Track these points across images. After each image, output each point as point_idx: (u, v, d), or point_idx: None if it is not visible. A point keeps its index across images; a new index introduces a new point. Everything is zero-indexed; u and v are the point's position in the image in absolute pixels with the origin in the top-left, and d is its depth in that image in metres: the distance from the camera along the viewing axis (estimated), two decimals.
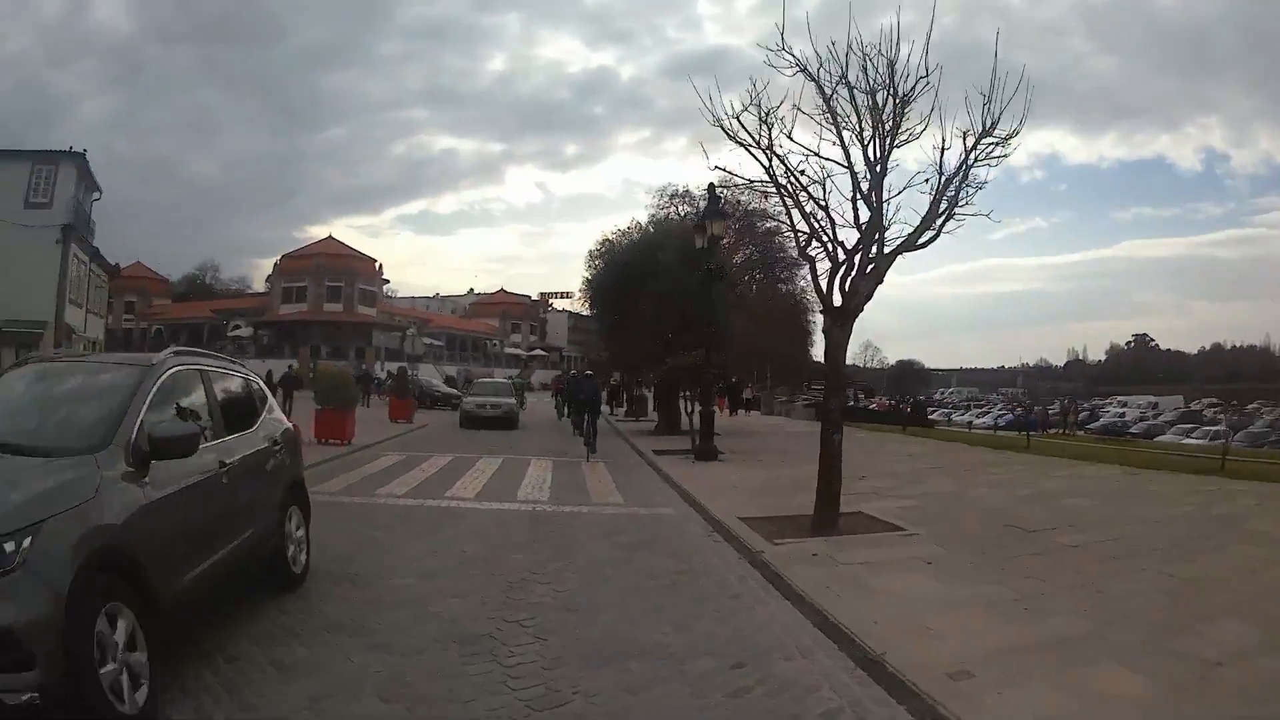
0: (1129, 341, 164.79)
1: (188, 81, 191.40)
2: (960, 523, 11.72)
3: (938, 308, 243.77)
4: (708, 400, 22.17)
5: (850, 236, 10.88)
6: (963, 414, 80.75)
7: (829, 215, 10.94)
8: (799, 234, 11.33)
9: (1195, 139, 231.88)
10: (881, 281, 10.83)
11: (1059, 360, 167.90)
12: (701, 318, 23.25)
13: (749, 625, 7.36)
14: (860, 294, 10.79)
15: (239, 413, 7.40)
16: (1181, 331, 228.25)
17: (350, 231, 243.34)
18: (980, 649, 6.29)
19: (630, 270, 29.39)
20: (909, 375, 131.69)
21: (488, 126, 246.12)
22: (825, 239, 10.97)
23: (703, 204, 27.77)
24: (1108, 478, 16.88)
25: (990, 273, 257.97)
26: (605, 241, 33.96)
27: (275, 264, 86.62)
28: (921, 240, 10.66)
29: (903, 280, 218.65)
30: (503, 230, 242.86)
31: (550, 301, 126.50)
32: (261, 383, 8.49)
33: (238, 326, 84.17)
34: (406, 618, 7.24)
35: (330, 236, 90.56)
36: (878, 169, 10.58)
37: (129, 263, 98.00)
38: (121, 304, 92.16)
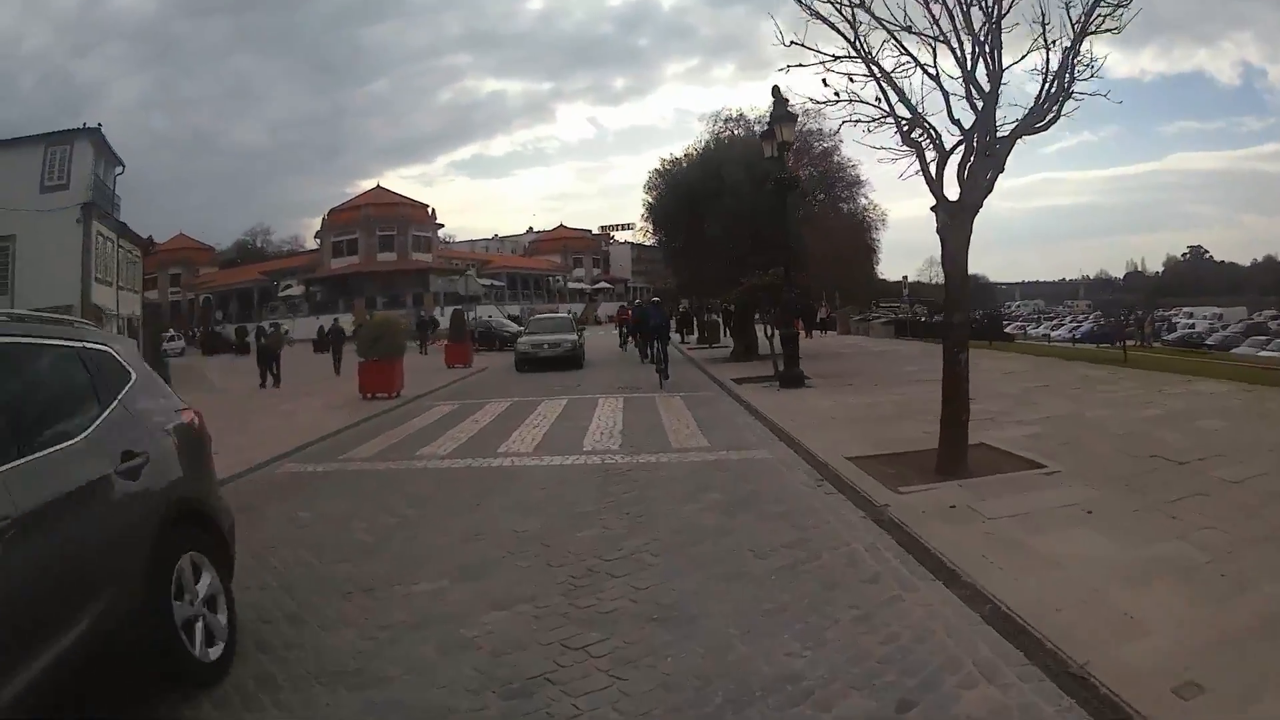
0: (1184, 254, 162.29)
1: (222, 52, 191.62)
2: (1098, 453, 9.94)
3: (995, 222, 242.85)
4: (789, 321, 19.94)
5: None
6: (1036, 327, 78.91)
7: (942, 88, 9.04)
8: (900, 120, 9.27)
9: (1231, 54, 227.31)
10: (1002, 170, 9.00)
11: (1118, 272, 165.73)
12: (775, 233, 21.34)
13: (902, 627, 5.30)
14: (981, 183, 8.92)
15: (40, 416, 4.33)
16: (1233, 243, 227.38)
17: (403, 181, 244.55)
18: (1196, 642, 4.72)
19: (694, 190, 27.26)
20: (974, 290, 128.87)
21: (534, 66, 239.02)
22: (926, 124, 9.19)
23: (759, 129, 25.73)
24: (1225, 395, 14.73)
25: (1044, 187, 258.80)
26: (665, 164, 31.47)
27: (323, 219, 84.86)
28: (1041, 123, 8.83)
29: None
30: (559, 168, 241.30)
31: (611, 235, 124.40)
32: (118, 351, 5.38)
33: (289, 286, 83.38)
34: (431, 650, 5.26)
35: (379, 186, 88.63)
36: (991, 27, 8.58)
37: (172, 235, 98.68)
38: (167, 277, 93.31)
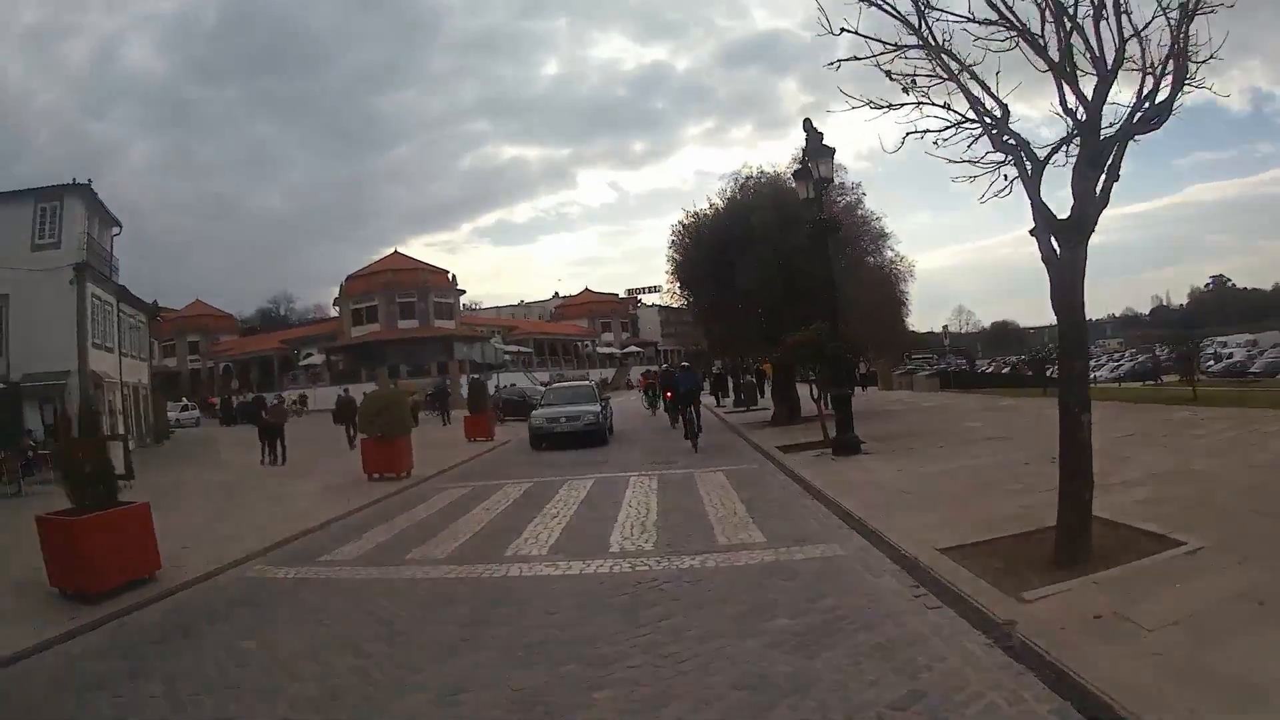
0: (1207, 284, 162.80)
1: (238, 117, 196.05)
2: (1234, 517, 8.21)
3: (1019, 267, 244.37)
4: (840, 380, 17.75)
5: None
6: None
7: (1053, 64, 7.04)
8: (988, 124, 7.38)
9: (1239, 80, 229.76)
10: (1117, 178, 7.19)
11: (1143, 308, 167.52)
12: (811, 283, 19.59)
13: None
14: (1094, 195, 7.13)
15: None
16: (1253, 269, 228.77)
17: (428, 249, 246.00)
18: None
19: (721, 241, 25.24)
20: (1007, 335, 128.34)
21: (552, 131, 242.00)
22: (1011, 131, 7.37)
23: (784, 183, 24.52)
24: None
25: None
26: (689, 216, 28.65)
27: (340, 286, 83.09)
28: (1157, 118, 7.05)
29: (985, 244, 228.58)
30: (582, 233, 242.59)
31: (639, 298, 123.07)
32: None
33: (309, 354, 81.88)
34: None
35: (396, 252, 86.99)
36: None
37: (189, 302, 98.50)
38: (185, 344, 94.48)
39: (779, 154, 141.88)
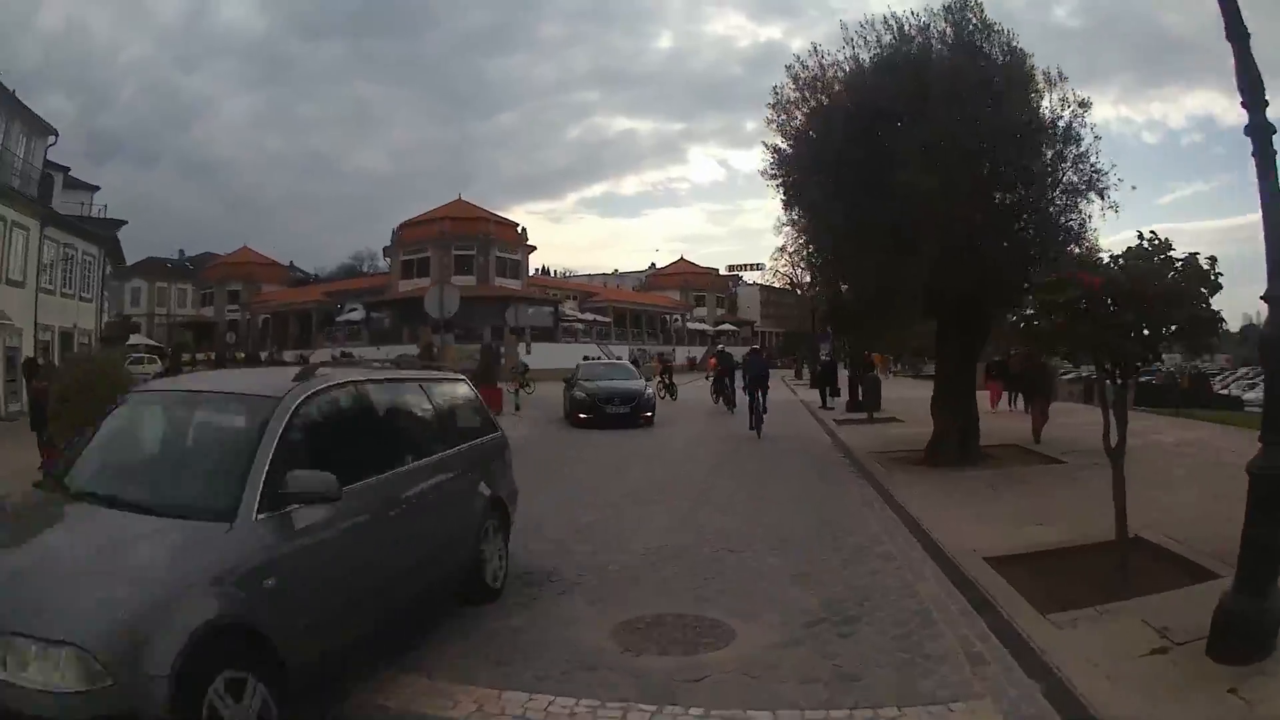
0: None
1: (339, 75, 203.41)
2: None
3: None
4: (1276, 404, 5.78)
5: None
6: (1223, 387, 54.58)
7: None
8: None
9: None
10: None
11: (1233, 325, 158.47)
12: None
13: None
14: None
15: None
16: None
17: (532, 217, 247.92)
18: None
19: (868, 115, 13.03)
20: None
21: (664, 105, 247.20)
22: None
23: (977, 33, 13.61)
24: None
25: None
26: (805, 74, 14.97)
27: (394, 233, 73.48)
28: None
29: None
30: (689, 210, 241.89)
31: (740, 275, 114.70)
32: None
33: (353, 309, 72.29)
34: None
35: (459, 198, 75.56)
36: None
37: (236, 248, 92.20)
38: (224, 293, 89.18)
39: None
